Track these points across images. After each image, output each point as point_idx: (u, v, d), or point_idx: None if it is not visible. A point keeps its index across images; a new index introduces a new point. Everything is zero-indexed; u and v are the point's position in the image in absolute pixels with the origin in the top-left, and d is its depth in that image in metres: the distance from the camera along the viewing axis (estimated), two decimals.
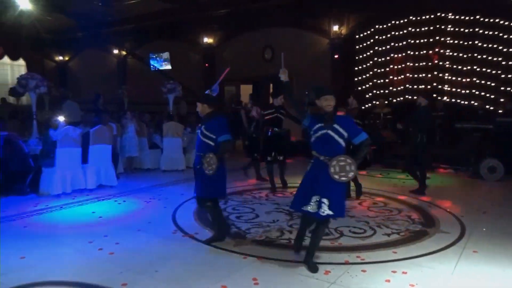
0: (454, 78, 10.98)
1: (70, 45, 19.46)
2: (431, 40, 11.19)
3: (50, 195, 6.24)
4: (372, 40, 12.16)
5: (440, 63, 11.10)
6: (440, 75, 11.12)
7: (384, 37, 11.94)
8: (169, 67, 16.27)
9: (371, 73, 12.21)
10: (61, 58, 20.03)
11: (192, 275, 3.58)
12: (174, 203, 6.03)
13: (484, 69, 10.69)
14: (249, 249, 4.18)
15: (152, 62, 16.63)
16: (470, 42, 10.77)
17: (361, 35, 12.35)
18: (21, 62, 18.42)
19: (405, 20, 11.49)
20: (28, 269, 3.63)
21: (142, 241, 4.44)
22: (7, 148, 6.39)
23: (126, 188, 7.02)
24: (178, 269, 3.71)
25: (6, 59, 17.90)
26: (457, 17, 10.89)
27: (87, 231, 4.74)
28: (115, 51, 18.06)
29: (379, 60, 12.04)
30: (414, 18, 11.37)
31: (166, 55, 16.42)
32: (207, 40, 15.42)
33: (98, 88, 13.63)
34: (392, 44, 11.76)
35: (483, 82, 10.66)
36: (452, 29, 10.93)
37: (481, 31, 10.68)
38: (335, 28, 12.71)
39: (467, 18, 10.78)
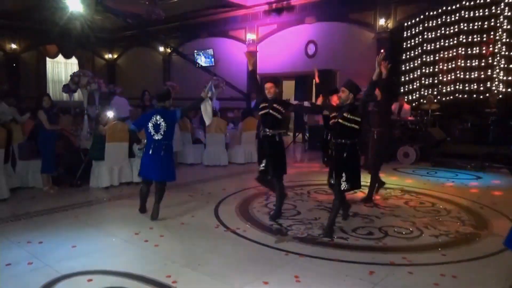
0: (511, 66, 10.29)
1: (118, 44, 20.26)
2: (485, 25, 10.56)
3: (99, 187, 6.51)
4: (421, 27, 11.64)
5: (495, 49, 10.44)
6: (495, 63, 10.47)
7: (434, 23, 11.38)
8: (212, 64, 16.49)
9: (419, 61, 11.70)
10: (110, 56, 20.86)
11: (234, 269, 3.61)
12: (216, 198, 6.11)
13: None
14: (290, 246, 4.15)
15: (196, 59, 16.93)
16: None
17: (409, 22, 11.86)
18: (74, 60, 19.40)
19: (457, 5, 10.91)
20: (78, 258, 3.80)
21: (185, 234, 4.53)
22: (60, 142, 6.73)
23: (169, 182, 7.15)
24: (220, 263, 3.75)
25: (60, 57, 18.93)
26: None
27: (134, 223, 4.89)
28: (161, 49, 18.55)
29: (428, 47, 11.51)
30: (467, 3, 10.76)
31: (210, 52, 16.66)
32: (250, 36, 15.47)
33: (144, 84, 14.06)
34: (443, 31, 11.19)
35: None
36: (510, 13, 10.24)
37: None
38: (381, 21, 12.33)
39: None
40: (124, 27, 17.93)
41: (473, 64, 10.73)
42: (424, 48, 11.58)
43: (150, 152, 4.93)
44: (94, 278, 3.39)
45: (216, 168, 8.72)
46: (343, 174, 4.38)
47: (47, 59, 18.71)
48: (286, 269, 3.62)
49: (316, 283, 3.35)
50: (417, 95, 11.72)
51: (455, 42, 10.99)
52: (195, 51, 17.02)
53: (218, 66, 14.22)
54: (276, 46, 15.02)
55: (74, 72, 7.98)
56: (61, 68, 19.32)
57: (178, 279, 3.38)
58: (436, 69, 11.40)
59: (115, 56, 20.90)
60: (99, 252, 3.99)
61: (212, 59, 16.55)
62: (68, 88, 10.68)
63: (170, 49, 18.03)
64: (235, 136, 9.48)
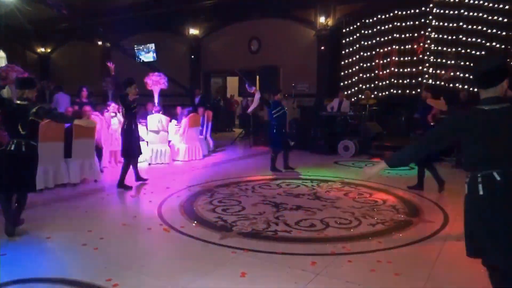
0: (438, 72, 11.12)
1: (52, 37, 19.11)
2: (415, 34, 11.30)
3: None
4: (358, 35, 12.22)
5: (425, 57, 11.22)
6: (425, 69, 11.24)
7: (369, 31, 12.01)
8: (154, 58, 16.10)
9: (357, 67, 12.29)
10: (43, 50, 19.64)
11: (179, 269, 3.56)
12: (159, 196, 5.98)
13: (467, 63, 10.85)
14: (235, 242, 4.17)
15: (137, 53, 16.42)
16: (454, 37, 10.90)
17: (347, 29, 12.39)
18: (2, 54, 18.04)
19: (391, 14, 11.56)
20: (9, 267, 3.55)
21: (127, 235, 4.40)
22: None
23: (110, 182, 6.93)
24: (164, 263, 3.68)
25: None
26: (441, 11, 10.98)
27: (71, 226, 4.67)
28: (99, 43, 17.77)
29: (365, 54, 12.13)
30: (399, 13, 11.44)
31: (151, 46, 16.23)
32: (193, 31, 15.27)
33: (81, 80, 13.41)
34: (378, 38, 11.84)
35: (467, 75, 10.82)
36: (436, 23, 11.04)
37: (465, 26, 10.80)
38: (322, 19, 12.70)
39: (451, 12, 10.89)
40: (59, 19, 16.93)
41: (406, 58, 11.46)
42: (362, 53, 12.15)
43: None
44: (25, 287, 3.18)
45: (159, 166, 8.53)
46: None
47: None
48: (231, 265, 3.64)
49: (261, 277, 3.40)
50: (356, 89, 12.24)
51: (389, 48, 11.67)
52: (135, 46, 16.50)
53: (160, 61, 13.91)
54: (220, 41, 14.97)
55: (1, 67, 7.42)
56: None
57: (119, 281, 3.27)
58: (373, 71, 12.03)
59: (49, 50, 19.71)
60: (32, 259, 3.75)
61: (154, 54, 16.15)
62: None
63: (110, 43, 17.33)
64: (179, 133, 9.32)
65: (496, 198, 2.26)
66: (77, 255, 3.85)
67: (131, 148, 6.40)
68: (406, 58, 11.50)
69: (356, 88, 12.29)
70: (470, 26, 10.72)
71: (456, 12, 10.80)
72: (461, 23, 10.78)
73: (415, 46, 11.32)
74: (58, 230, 4.56)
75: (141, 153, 6.85)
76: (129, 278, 3.37)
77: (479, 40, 10.69)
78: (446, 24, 10.94)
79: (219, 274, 3.44)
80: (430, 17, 11.02)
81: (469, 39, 10.76)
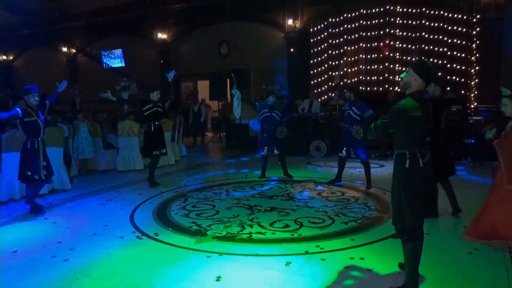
0: (404, 69, 11.44)
1: (14, 43, 18.47)
2: (381, 32, 11.59)
3: None
4: (326, 34, 12.42)
5: (391, 54, 11.52)
6: (391, 66, 11.54)
7: (337, 30, 12.22)
8: (122, 64, 15.83)
9: (326, 65, 12.48)
10: (4, 57, 18.96)
11: (153, 275, 3.51)
12: (132, 204, 5.88)
13: (431, 59, 11.19)
14: (210, 246, 4.15)
15: (104, 59, 16.10)
16: (417, 34, 11.26)
17: (315, 28, 12.58)
18: None
19: (357, 13, 11.81)
20: None
21: (98, 245, 4.29)
22: None
23: (80, 191, 6.76)
24: (137, 271, 3.62)
25: None
26: (404, 9, 11.32)
27: (40, 238, 4.53)
28: (64, 49, 17.33)
29: (334, 53, 12.33)
30: (364, 11, 11.72)
31: (119, 51, 15.95)
32: (162, 36, 15.13)
33: (47, 88, 13.03)
34: (345, 36, 12.07)
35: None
36: (400, 21, 11.36)
37: (427, 23, 11.18)
38: (290, 21, 12.85)
39: (414, 10, 11.24)
40: (22, 25, 16.40)
41: (373, 67, 11.72)
42: (330, 52, 12.33)
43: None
44: None
45: (131, 173, 8.38)
46: None
47: None
48: (206, 269, 3.62)
49: (236, 280, 3.40)
50: (326, 87, 12.43)
51: (356, 46, 11.92)
52: (102, 51, 16.18)
53: (128, 66, 13.69)
54: (189, 45, 14.89)
55: None
56: None
57: None
58: (342, 61, 12.24)
59: (11, 57, 19.04)
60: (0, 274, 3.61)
61: (122, 60, 15.88)
62: None
63: (76, 49, 16.93)
64: None
65: (419, 168, 3.09)
66: (46, 268, 3.73)
67: (147, 147, 7.07)
68: (373, 56, 11.76)
69: (326, 87, 12.47)
70: (432, 24, 11.10)
71: (418, 10, 11.15)
72: (423, 21, 11.14)
73: (381, 44, 11.60)
74: (26, 243, 4.41)
75: (157, 151, 7.02)
76: None
77: (441, 37, 11.08)
78: (409, 22, 11.27)
79: (195, 279, 3.42)
80: (396, 17, 11.32)
81: (431, 36, 11.13)
